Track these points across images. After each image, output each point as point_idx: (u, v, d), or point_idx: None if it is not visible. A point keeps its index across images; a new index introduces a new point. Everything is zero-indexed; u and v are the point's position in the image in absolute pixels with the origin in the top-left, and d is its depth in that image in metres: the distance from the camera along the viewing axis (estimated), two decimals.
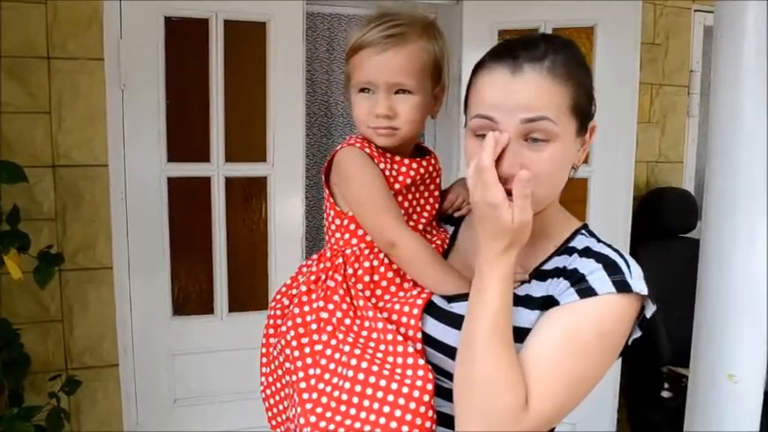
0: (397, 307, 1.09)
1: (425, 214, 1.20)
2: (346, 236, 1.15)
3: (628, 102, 2.64)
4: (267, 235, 2.56)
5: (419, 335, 1.05)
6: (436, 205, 1.22)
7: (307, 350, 1.10)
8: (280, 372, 1.18)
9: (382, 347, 1.05)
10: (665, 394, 2.79)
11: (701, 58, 3.20)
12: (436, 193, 1.22)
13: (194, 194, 2.48)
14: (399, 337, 1.05)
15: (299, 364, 1.10)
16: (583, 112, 1.00)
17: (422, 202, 1.20)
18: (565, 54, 0.97)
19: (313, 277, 1.16)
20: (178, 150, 2.41)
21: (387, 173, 1.12)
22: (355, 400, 1.02)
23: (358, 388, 1.02)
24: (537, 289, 1.03)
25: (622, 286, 0.95)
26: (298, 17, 2.47)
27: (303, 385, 1.08)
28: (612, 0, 2.60)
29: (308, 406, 1.05)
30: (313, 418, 1.04)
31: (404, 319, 1.07)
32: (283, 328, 1.15)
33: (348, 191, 1.14)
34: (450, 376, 0.99)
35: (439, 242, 1.18)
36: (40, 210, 2.29)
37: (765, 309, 1.50)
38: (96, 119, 2.31)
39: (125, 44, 2.28)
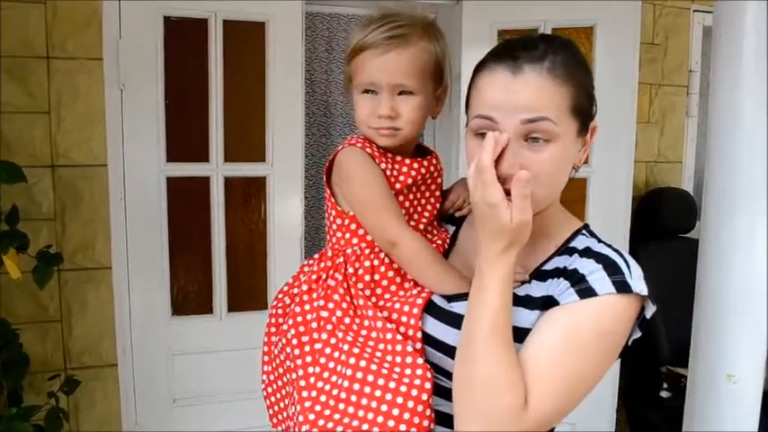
0: (397, 306, 1.09)
1: (426, 214, 1.20)
2: (347, 235, 1.16)
3: (627, 102, 2.65)
4: (266, 235, 2.56)
5: (419, 334, 1.06)
6: (437, 205, 1.22)
7: (307, 348, 1.11)
8: (281, 370, 1.19)
9: (381, 346, 1.05)
10: (664, 394, 2.79)
11: (701, 59, 3.20)
12: (437, 194, 1.22)
13: (193, 194, 2.48)
14: (399, 337, 1.05)
15: (298, 362, 1.11)
16: (583, 113, 1.00)
17: (423, 202, 1.20)
18: (565, 54, 0.97)
19: (314, 276, 1.17)
20: (177, 150, 2.41)
21: (388, 173, 1.13)
22: (354, 398, 1.02)
23: (357, 386, 1.03)
24: (537, 289, 1.03)
25: (622, 287, 0.95)
26: (297, 17, 2.48)
27: (302, 383, 1.09)
28: (612, 0, 2.61)
29: (307, 404, 1.06)
30: (312, 416, 1.05)
31: (404, 319, 1.07)
32: (284, 327, 1.15)
33: (349, 190, 1.15)
34: (449, 376, 0.99)
35: (440, 242, 1.19)
36: (39, 210, 2.29)
37: (764, 309, 1.50)
38: (95, 119, 2.31)
39: (124, 44, 2.28)
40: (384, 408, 1.00)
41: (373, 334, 1.07)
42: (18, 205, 2.07)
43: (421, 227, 1.18)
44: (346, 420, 1.02)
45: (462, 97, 1.09)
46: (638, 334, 1.03)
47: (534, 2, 2.61)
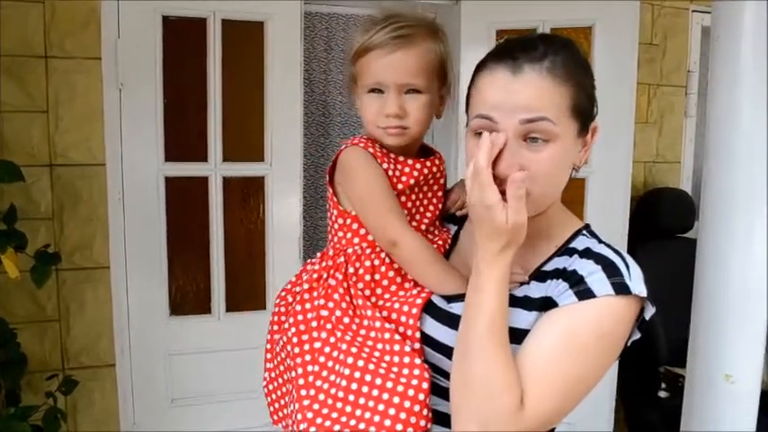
0: (396, 306, 1.09)
1: (428, 214, 1.20)
2: (348, 235, 1.16)
3: (625, 102, 2.65)
4: (264, 235, 2.57)
5: (417, 334, 1.06)
6: (440, 206, 1.22)
7: (306, 347, 1.12)
8: (282, 368, 1.20)
9: (380, 346, 1.06)
10: (663, 394, 2.79)
11: (699, 59, 3.20)
12: (440, 194, 1.23)
13: (192, 194, 2.48)
14: (397, 336, 1.05)
15: (298, 360, 1.12)
16: (583, 113, 0.99)
17: (425, 202, 1.20)
18: (565, 54, 0.97)
19: (315, 275, 1.18)
20: (176, 150, 2.41)
21: (390, 173, 1.13)
22: (351, 397, 1.03)
23: (354, 386, 1.03)
24: (536, 290, 1.02)
25: (621, 288, 0.95)
26: (296, 17, 2.48)
27: (301, 382, 1.10)
28: (610, 0, 2.61)
29: (306, 402, 1.07)
30: (310, 414, 1.05)
31: (403, 319, 1.08)
32: (286, 325, 1.16)
33: (351, 190, 1.15)
34: (448, 376, 0.99)
35: (440, 242, 1.19)
36: (38, 209, 2.29)
37: (762, 308, 1.50)
38: (94, 118, 2.31)
39: (123, 43, 2.28)
40: (381, 407, 1.00)
41: (372, 333, 1.08)
42: (16, 204, 2.07)
43: (422, 227, 1.19)
44: (344, 419, 1.02)
45: (461, 97, 1.09)
46: (637, 335, 1.03)
47: (533, 2, 2.61)
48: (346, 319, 1.10)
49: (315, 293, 1.15)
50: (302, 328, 1.13)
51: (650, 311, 1.00)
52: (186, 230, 2.50)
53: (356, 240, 1.16)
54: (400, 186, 1.14)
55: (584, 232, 1.09)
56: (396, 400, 1.00)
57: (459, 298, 1.01)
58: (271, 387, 1.25)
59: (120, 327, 2.41)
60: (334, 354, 1.09)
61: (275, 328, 1.22)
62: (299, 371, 1.11)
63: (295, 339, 1.13)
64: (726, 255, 1.52)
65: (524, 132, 0.95)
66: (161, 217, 2.41)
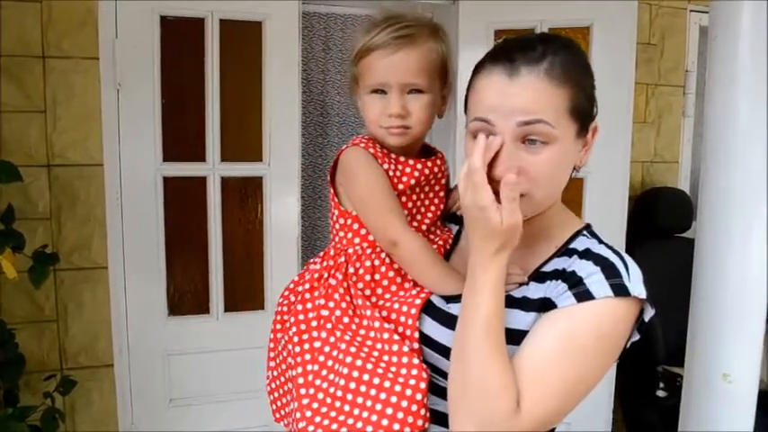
0: (396, 306, 1.10)
1: (429, 215, 1.21)
2: (349, 235, 1.17)
3: (623, 102, 2.65)
4: (263, 235, 2.56)
5: (416, 334, 1.06)
6: (441, 206, 1.23)
7: (306, 346, 1.13)
8: (283, 366, 1.20)
9: (378, 346, 1.06)
10: (661, 394, 2.79)
11: (697, 59, 3.21)
12: (441, 194, 1.23)
13: (190, 194, 2.48)
14: (395, 336, 1.06)
15: (298, 359, 1.12)
16: (582, 114, 0.99)
17: (426, 202, 1.21)
18: (564, 55, 0.97)
19: (316, 275, 1.19)
20: (174, 150, 2.41)
21: (390, 173, 1.14)
22: (349, 396, 1.04)
23: (352, 385, 1.04)
24: (535, 291, 1.02)
25: (620, 290, 0.95)
26: (294, 16, 2.47)
27: (301, 380, 1.10)
28: (608, 0, 2.61)
29: (305, 401, 1.08)
30: (308, 413, 1.06)
31: (402, 319, 1.08)
32: (287, 324, 1.17)
33: (352, 190, 1.16)
34: (446, 376, 0.99)
35: (441, 242, 1.19)
36: (36, 209, 2.29)
37: (760, 308, 1.51)
38: (91, 118, 2.31)
39: (120, 43, 2.28)
40: (378, 407, 1.01)
41: (371, 333, 1.08)
42: (14, 205, 2.07)
43: (423, 227, 1.19)
44: (342, 418, 1.03)
45: (460, 97, 1.10)
46: (636, 337, 1.03)
47: (531, 2, 2.62)
48: (346, 319, 1.11)
49: (316, 293, 1.16)
50: (303, 327, 1.14)
51: (649, 313, 1.00)
52: (184, 230, 2.50)
53: (357, 240, 1.16)
54: (401, 187, 1.14)
55: (585, 232, 1.09)
56: (393, 399, 1.00)
57: (458, 298, 1.01)
58: (273, 386, 1.26)
59: (119, 327, 2.40)
60: (334, 353, 1.09)
61: (278, 327, 1.23)
62: (299, 370, 1.12)
63: (296, 338, 1.14)
64: (724, 254, 1.53)
65: (522, 135, 0.95)
66: (159, 217, 2.41)
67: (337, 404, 1.04)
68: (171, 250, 2.46)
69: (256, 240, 2.57)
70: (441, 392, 1.01)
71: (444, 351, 1.03)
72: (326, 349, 1.10)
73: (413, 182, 1.16)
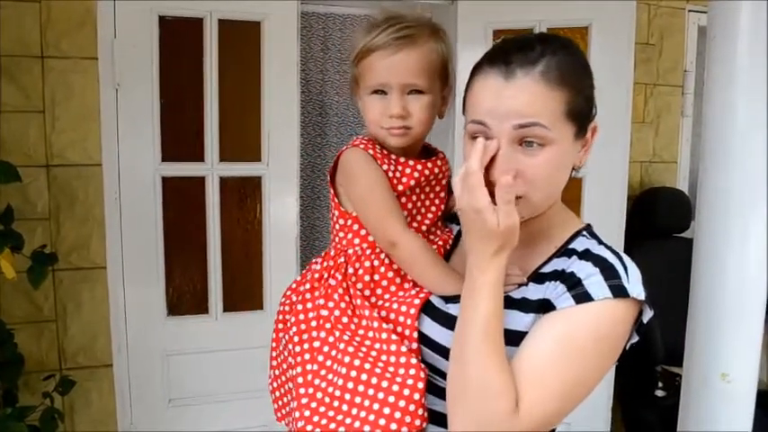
0: (395, 306, 1.10)
1: (430, 215, 1.21)
2: (349, 236, 1.17)
3: (622, 102, 2.65)
4: (261, 235, 2.56)
5: (415, 334, 1.06)
6: (442, 206, 1.23)
7: (306, 346, 1.13)
8: (285, 366, 1.21)
9: (377, 346, 1.07)
10: (659, 393, 2.80)
11: (696, 59, 3.21)
12: (442, 195, 1.23)
13: (189, 194, 2.48)
14: (394, 336, 1.06)
15: (298, 359, 1.13)
16: (580, 116, 0.99)
17: (426, 203, 1.21)
18: (561, 56, 0.96)
19: (317, 275, 1.19)
20: (172, 150, 2.41)
21: (390, 174, 1.14)
22: (347, 396, 1.04)
23: (350, 385, 1.04)
24: (534, 292, 1.02)
25: (619, 291, 0.95)
26: (292, 16, 2.47)
27: (300, 380, 1.11)
28: (607, 0, 2.61)
29: (304, 401, 1.08)
30: (307, 413, 1.07)
31: (401, 319, 1.08)
32: (288, 324, 1.18)
33: (352, 191, 1.16)
34: (445, 376, 0.99)
35: (441, 243, 1.20)
36: (34, 209, 2.28)
37: (758, 308, 1.51)
38: (90, 118, 2.31)
39: (119, 43, 2.27)
40: (376, 406, 1.01)
41: (370, 333, 1.08)
42: (13, 205, 2.07)
43: (423, 228, 1.19)
44: (340, 418, 1.03)
45: (458, 98, 1.09)
46: (635, 338, 1.03)
47: (529, 2, 2.62)
48: (345, 319, 1.11)
49: (316, 293, 1.17)
50: (303, 327, 1.14)
51: (648, 315, 1.00)
52: (183, 230, 2.50)
53: (356, 241, 1.16)
54: (400, 188, 1.15)
55: (585, 233, 1.08)
56: (391, 399, 1.01)
57: (458, 299, 1.01)
58: (275, 385, 1.27)
59: (118, 327, 2.40)
60: (333, 353, 1.10)
61: (280, 326, 1.23)
62: (299, 369, 1.12)
63: (296, 338, 1.14)
64: (722, 254, 1.53)
65: (518, 137, 0.95)
66: (158, 217, 2.41)
67: (335, 404, 1.05)
68: (170, 250, 2.45)
69: (255, 240, 2.57)
70: (439, 393, 1.01)
71: (443, 351, 1.03)
72: (326, 349, 1.11)
73: (412, 183, 1.16)
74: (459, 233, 1.23)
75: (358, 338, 1.09)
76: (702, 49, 2.40)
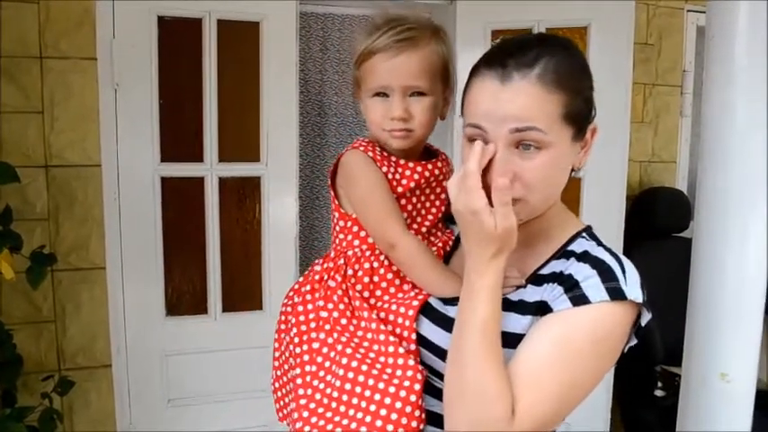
0: (393, 308, 1.10)
1: (430, 217, 1.21)
2: (349, 237, 1.18)
3: (621, 101, 2.65)
4: (261, 235, 2.56)
5: (413, 336, 1.07)
6: (443, 208, 1.23)
7: (305, 347, 1.14)
8: (286, 366, 1.22)
9: (375, 347, 1.07)
10: (659, 393, 2.80)
11: (694, 58, 3.21)
12: (443, 196, 1.23)
13: (188, 194, 2.48)
14: (392, 338, 1.06)
15: (298, 360, 1.14)
16: (578, 118, 0.98)
17: (427, 204, 1.21)
18: (560, 58, 0.95)
19: (317, 276, 1.20)
20: (171, 150, 2.41)
21: (390, 176, 1.14)
22: (344, 397, 1.04)
23: (348, 386, 1.05)
24: (532, 294, 1.02)
25: (616, 293, 0.94)
26: (291, 17, 2.47)
27: (299, 381, 1.12)
28: (605, 0, 2.61)
29: (303, 401, 1.09)
30: (305, 413, 1.07)
31: (399, 320, 1.08)
32: (289, 325, 1.18)
33: (352, 193, 1.17)
34: (443, 377, 0.99)
35: (440, 244, 1.20)
36: (33, 210, 2.28)
37: (758, 307, 1.51)
38: (89, 119, 2.31)
39: (118, 44, 2.27)
40: (372, 408, 1.02)
41: (368, 335, 1.09)
42: (11, 205, 2.07)
43: (423, 229, 1.19)
44: (337, 419, 1.04)
45: (457, 100, 1.09)
46: (633, 341, 1.02)
47: (528, 2, 2.62)
48: (344, 321, 1.12)
49: (316, 295, 1.17)
50: (303, 328, 1.15)
51: (646, 317, 0.99)
52: (182, 231, 2.50)
53: (356, 243, 1.17)
54: (400, 189, 1.15)
55: (584, 234, 1.08)
56: (387, 400, 1.01)
57: (456, 301, 1.01)
58: (276, 385, 1.28)
59: (117, 327, 2.40)
60: (331, 354, 1.10)
61: (282, 327, 1.24)
62: (298, 371, 1.13)
63: (296, 339, 1.15)
64: (721, 254, 1.53)
65: (515, 141, 0.95)
66: (157, 217, 2.41)
67: (333, 405, 1.05)
68: (169, 250, 2.45)
69: (254, 240, 2.57)
70: (438, 394, 1.01)
71: (441, 353, 1.02)
72: (324, 350, 1.11)
73: (412, 185, 1.16)
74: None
75: (356, 340, 1.09)
76: (701, 49, 2.41)
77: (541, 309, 0.99)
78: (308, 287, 1.19)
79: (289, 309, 1.22)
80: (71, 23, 2.26)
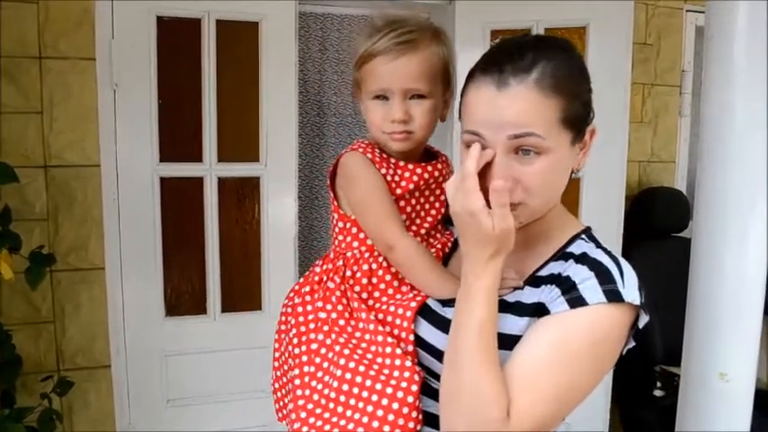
0: (391, 309, 1.11)
1: (429, 218, 1.21)
2: (348, 239, 1.18)
3: (620, 102, 2.66)
4: (260, 235, 2.56)
5: (411, 337, 1.07)
6: (442, 209, 1.23)
7: (304, 348, 1.14)
8: (286, 367, 1.22)
9: (373, 348, 1.08)
10: (658, 393, 2.80)
11: (693, 58, 3.21)
12: (442, 198, 1.23)
13: (187, 194, 2.48)
14: (389, 339, 1.06)
15: (296, 360, 1.14)
16: (577, 122, 0.98)
17: (426, 206, 1.21)
18: (557, 62, 0.95)
19: (317, 278, 1.20)
20: (170, 150, 2.41)
21: (389, 178, 1.14)
22: (342, 398, 1.05)
23: (345, 387, 1.05)
24: (529, 295, 1.02)
25: (614, 296, 0.94)
26: (290, 17, 2.47)
27: (297, 382, 1.12)
28: (604, 0, 2.61)
29: (300, 402, 1.09)
30: (303, 414, 1.08)
31: (397, 321, 1.09)
32: (289, 326, 1.19)
33: (351, 194, 1.17)
34: (440, 378, 0.99)
35: (439, 246, 1.20)
36: (32, 210, 2.28)
37: (757, 307, 1.51)
38: (88, 119, 2.31)
39: (117, 44, 2.27)
40: (369, 408, 1.02)
41: (366, 336, 1.09)
42: (10, 206, 2.06)
43: (423, 231, 1.19)
44: (335, 419, 1.04)
45: (456, 101, 1.09)
46: (631, 344, 1.02)
47: (527, 2, 2.62)
48: (342, 322, 1.12)
49: (315, 296, 1.17)
50: (302, 329, 1.15)
51: (644, 320, 0.99)
52: (181, 231, 2.50)
53: (355, 244, 1.17)
54: (399, 191, 1.15)
55: (583, 236, 1.07)
56: (384, 401, 1.01)
57: (454, 302, 1.02)
58: (276, 385, 1.28)
59: (116, 328, 2.40)
60: (329, 355, 1.10)
61: (282, 328, 1.24)
62: (296, 371, 1.13)
63: (295, 340, 1.16)
64: (720, 254, 1.53)
65: (514, 147, 0.94)
66: (156, 218, 2.41)
67: (330, 405, 1.05)
68: (168, 251, 2.45)
69: (253, 241, 2.57)
70: (435, 395, 1.01)
71: (439, 354, 1.02)
72: (323, 351, 1.11)
73: (411, 186, 1.16)
74: None
75: (354, 341, 1.10)
76: (700, 49, 2.40)
77: (539, 310, 0.98)
78: (308, 288, 1.19)
79: (289, 309, 1.22)
80: (70, 23, 2.26)
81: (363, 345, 1.08)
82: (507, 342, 0.97)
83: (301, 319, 1.16)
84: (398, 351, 1.05)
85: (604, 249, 1.03)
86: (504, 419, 0.89)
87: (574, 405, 0.95)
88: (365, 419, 1.01)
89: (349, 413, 1.03)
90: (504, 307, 1.00)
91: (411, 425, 1.00)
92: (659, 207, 3.01)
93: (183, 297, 2.53)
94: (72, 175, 2.32)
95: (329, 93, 3.46)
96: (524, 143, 0.93)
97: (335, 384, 1.06)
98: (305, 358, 1.13)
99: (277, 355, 1.26)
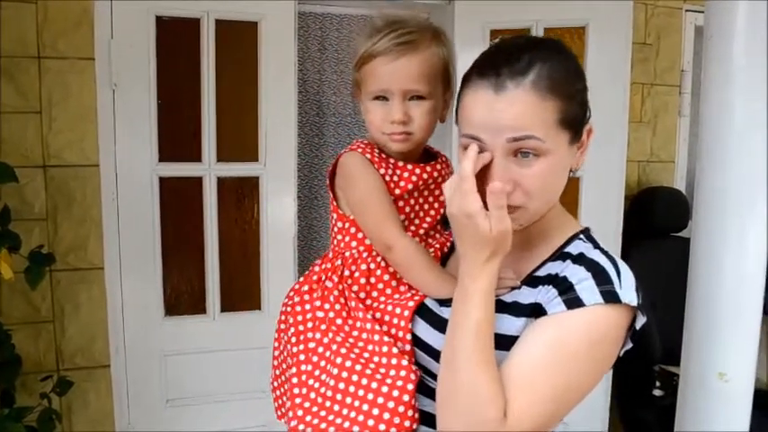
0: (389, 308, 1.11)
1: (428, 219, 1.21)
2: (347, 238, 1.18)
3: (619, 101, 2.65)
4: (259, 235, 2.56)
5: (408, 336, 1.07)
6: (441, 210, 1.23)
7: (301, 347, 1.15)
8: (284, 366, 1.23)
9: (369, 347, 1.08)
10: (657, 393, 2.80)
11: (692, 58, 3.21)
12: (442, 198, 1.22)
13: (186, 194, 2.48)
14: (386, 338, 1.07)
15: (294, 359, 1.15)
16: (574, 122, 0.98)
17: (425, 206, 1.21)
18: (553, 63, 0.95)
19: (315, 277, 1.20)
20: (170, 150, 2.41)
21: (387, 178, 1.15)
22: (338, 397, 1.05)
23: (342, 386, 1.06)
24: (526, 296, 1.02)
25: (610, 296, 0.94)
26: (289, 17, 2.47)
27: (295, 380, 1.12)
28: (604, 0, 2.61)
29: (297, 401, 1.10)
30: (300, 412, 1.08)
31: (395, 321, 1.09)
32: (288, 325, 1.19)
33: (350, 194, 1.17)
34: (437, 378, 0.99)
35: (438, 246, 1.20)
36: (32, 210, 2.28)
37: (756, 307, 1.51)
38: (87, 119, 2.31)
39: (116, 44, 2.27)
40: (365, 407, 1.02)
41: (363, 335, 1.10)
42: (10, 205, 2.06)
43: (421, 231, 1.20)
44: (331, 418, 1.04)
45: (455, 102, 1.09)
46: (629, 345, 1.02)
47: (526, 2, 2.62)
48: (339, 321, 1.13)
49: (314, 295, 1.18)
50: (301, 328, 1.16)
51: (641, 321, 0.99)
52: (181, 231, 2.50)
53: (354, 244, 1.17)
54: (398, 192, 1.15)
55: (582, 236, 1.07)
56: (380, 400, 1.02)
57: (451, 302, 1.02)
58: (275, 384, 1.29)
59: (115, 327, 2.40)
60: (327, 354, 1.11)
61: (282, 327, 1.24)
62: (294, 370, 1.14)
63: (294, 339, 1.16)
64: (720, 253, 1.53)
65: (513, 149, 0.94)
66: (155, 217, 2.41)
67: (327, 404, 1.06)
68: (167, 250, 2.46)
69: (253, 240, 2.57)
70: (431, 394, 1.01)
71: (436, 354, 1.02)
72: (320, 350, 1.12)
73: (410, 186, 1.16)
74: None
75: (351, 340, 1.10)
76: (699, 49, 2.40)
77: (536, 311, 0.98)
78: (307, 287, 1.19)
79: (288, 309, 1.22)
80: (69, 23, 2.26)
81: (360, 344, 1.09)
82: (504, 342, 0.97)
83: (299, 318, 1.16)
84: (395, 350, 1.05)
85: (602, 250, 1.03)
86: (501, 420, 0.89)
87: (571, 406, 0.95)
88: (362, 418, 1.01)
89: (346, 411, 1.03)
90: (502, 307, 1.00)
91: (407, 423, 1.00)
92: (658, 207, 3.01)
93: (182, 297, 2.53)
94: (71, 174, 2.32)
95: (328, 92, 3.46)
96: (524, 146, 0.93)
97: (333, 383, 1.06)
98: (302, 357, 1.13)
99: (276, 354, 1.27)
